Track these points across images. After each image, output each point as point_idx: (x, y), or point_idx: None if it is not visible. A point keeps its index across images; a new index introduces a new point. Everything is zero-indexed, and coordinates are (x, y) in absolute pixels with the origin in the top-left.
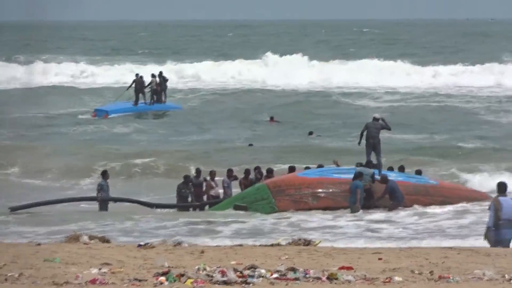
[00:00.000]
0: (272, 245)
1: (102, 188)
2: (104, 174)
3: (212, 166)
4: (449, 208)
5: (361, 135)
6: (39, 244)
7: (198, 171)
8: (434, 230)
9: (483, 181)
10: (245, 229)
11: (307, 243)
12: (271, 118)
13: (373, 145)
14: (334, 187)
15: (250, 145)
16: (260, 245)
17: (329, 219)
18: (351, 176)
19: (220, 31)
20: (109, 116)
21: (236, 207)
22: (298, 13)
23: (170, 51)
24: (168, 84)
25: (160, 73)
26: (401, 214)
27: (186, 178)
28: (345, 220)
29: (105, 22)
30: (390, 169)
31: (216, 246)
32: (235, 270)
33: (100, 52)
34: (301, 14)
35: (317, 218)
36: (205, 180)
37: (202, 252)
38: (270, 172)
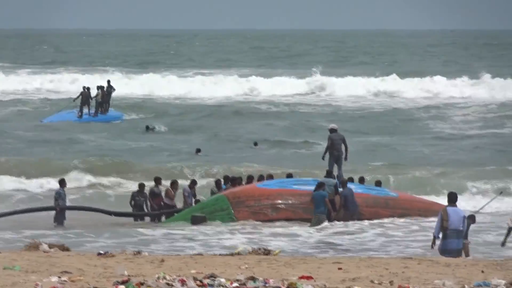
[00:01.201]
0: (232, 254)
1: (60, 196)
2: (62, 182)
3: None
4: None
5: (327, 149)
6: None
7: (157, 180)
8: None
9: None
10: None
11: (267, 252)
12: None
13: (337, 157)
14: (294, 199)
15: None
16: (220, 254)
17: (289, 230)
18: (312, 187)
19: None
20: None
21: (194, 219)
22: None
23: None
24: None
25: (108, 81)
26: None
27: (141, 186)
28: (305, 231)
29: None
30: (350, 180)
31: (176, 255)
32: (195, 279)
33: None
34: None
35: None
36: (168, 189)
37: (162, 261)
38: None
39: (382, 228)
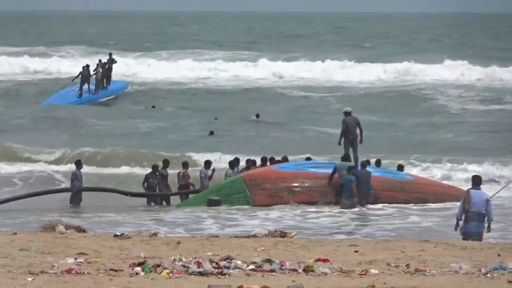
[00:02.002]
0: (248, 236)
1: (76, 177)
2: (78, 164)
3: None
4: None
5: (342, 133)
6: (15, 233)
7: (165, 162)
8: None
9: None
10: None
11: (283, 235)
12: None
13: (352, 140)
14: (310, 182)
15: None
16: (236, 237)
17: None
18: (328, 170)
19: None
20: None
21: (210, 202)
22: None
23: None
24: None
25: (110, 54)
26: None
27: (154, 167)
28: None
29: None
30: (367, 163)
31: (192, 237)
32: (211, 261)
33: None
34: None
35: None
36: (185, 171)
37: (178, 243)
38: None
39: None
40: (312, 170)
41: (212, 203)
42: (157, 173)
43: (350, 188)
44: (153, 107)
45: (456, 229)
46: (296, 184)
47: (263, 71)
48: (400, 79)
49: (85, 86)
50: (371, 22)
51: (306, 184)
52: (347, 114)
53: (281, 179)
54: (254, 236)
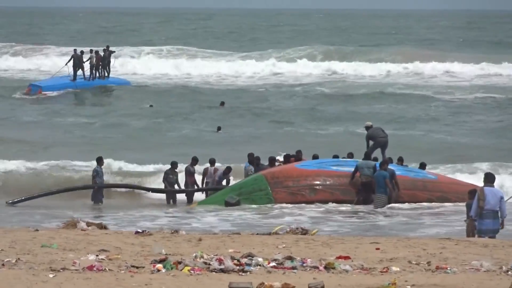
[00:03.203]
0: (269, 233)
1: (97, 174)
2: (99, 160)
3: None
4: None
5: (368, 146)
6: (37, 230)
7: (194, 159)
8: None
9: None
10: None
11: (305, 232)
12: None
13: (384, 143)
14: (332, 180)
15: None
16: (257, 234)
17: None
18: (351, 169)
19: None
20: (43, 93)
21: (227, 204)
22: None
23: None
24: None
25: (107, 47)
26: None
27: (173, 164)
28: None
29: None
30: (389, 160)
31: (214, 234)
32: (233, 258)
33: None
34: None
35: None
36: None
37: (200, 239)
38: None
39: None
40: (334, 168)
41: (229, 205)
42: (176, 170)
43: (384, 183)
44: (151, 106)
45: (471, 228)
46: (318, 182)
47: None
48: None
49: (80, 73)
50: None
51: (328, 183)
52: (368, 128)
53: (303, 177)
54: (276, 233)
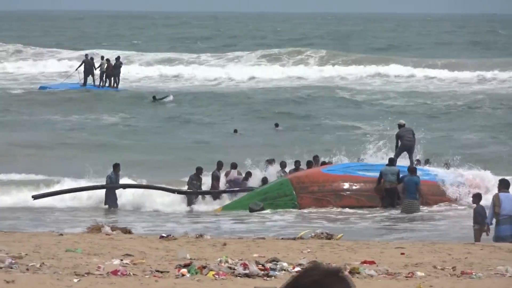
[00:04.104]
0: (294, 238)
1: (111, 180)
2: (115, 167)
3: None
4: None
5: (397, 147)
6: (61, 234)
7: (219, 164)
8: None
9: None
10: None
11: (329, 237)
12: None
13: (409, 147)
14: (358, 186)
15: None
16: (282, 238)
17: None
18: (377, 173)
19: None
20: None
21: (251, 210)
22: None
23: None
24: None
25: (118, 58)
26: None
27: (198, 170)
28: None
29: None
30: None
31: (239, 238)
32: (257, 263)
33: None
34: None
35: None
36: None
37: (224, 244)
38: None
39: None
40: (361, 173)
41: (253, 211)
42: (200, 176)
43: (415, 189)
44: (154, 97)
45: (487, 234)
46: (343, 188)
47: None
48: None
49: (89, 79)
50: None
51: (354, 188)
52: (400, 126)
53: (329, 182)
54: (301, 238)
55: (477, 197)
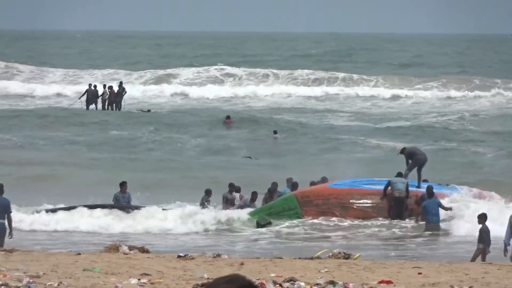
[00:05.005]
0: (312, 258)
1: (117, 200)
2: (122, 186)
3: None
4: None
5: (410, 166)
6: (78, 254)
7: (231, 186)
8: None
9: None
10: None
11: (347, 256)
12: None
13: (423, 161)
14: (363, 198)
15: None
16: (299, 258)
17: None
18: (382, 187)
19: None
20: None
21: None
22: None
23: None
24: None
25: (120, 83)
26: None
27: (207, 192)
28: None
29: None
30: (425, 181)
31: (256, 258)
32: (275, 283)
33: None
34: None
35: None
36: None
37: (242, 264)
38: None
39: None
40: (366, 186)
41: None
42: (210, 198)
43: (438, 211)
44: (148, 111)
45: (505, 255)
46: (348, 201)
47: None
48: None
49: (92, 106)
50: None
51: (360, 200)
52: (403, 150)
53: (334, 195)
54: (318, 257)
55: (482, 217)
